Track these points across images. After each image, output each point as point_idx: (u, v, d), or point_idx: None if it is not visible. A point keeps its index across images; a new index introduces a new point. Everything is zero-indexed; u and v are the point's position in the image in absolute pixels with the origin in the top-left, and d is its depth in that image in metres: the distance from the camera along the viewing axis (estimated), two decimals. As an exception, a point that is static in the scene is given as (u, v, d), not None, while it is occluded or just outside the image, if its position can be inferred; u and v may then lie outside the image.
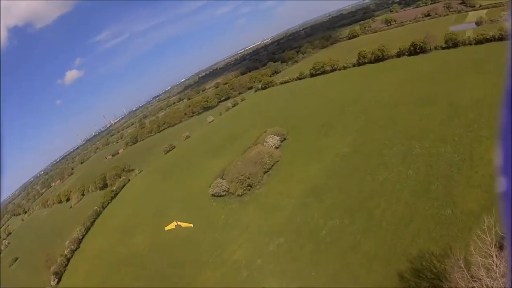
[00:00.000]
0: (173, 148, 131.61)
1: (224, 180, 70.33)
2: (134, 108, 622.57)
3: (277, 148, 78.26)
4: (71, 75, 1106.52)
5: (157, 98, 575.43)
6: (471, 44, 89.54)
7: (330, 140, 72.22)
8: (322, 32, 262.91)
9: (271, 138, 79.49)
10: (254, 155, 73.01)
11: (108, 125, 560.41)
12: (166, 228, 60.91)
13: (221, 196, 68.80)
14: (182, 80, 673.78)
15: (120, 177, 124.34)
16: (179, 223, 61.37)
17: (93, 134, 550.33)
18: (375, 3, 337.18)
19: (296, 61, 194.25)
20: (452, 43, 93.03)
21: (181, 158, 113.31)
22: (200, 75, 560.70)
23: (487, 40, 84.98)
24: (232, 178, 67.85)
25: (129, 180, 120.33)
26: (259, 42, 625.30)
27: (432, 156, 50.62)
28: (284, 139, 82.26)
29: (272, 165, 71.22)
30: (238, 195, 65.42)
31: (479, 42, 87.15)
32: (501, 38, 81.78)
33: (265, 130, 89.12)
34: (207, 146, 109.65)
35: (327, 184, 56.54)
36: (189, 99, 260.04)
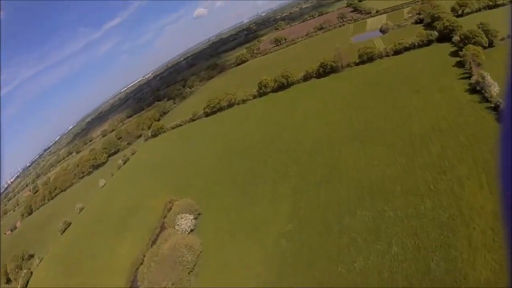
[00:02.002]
0: (69, 225, 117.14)
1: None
2: (28, 163, 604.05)
3: (192, 230, 62.65)
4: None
5: (47, 151, 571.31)
6: (388, 56, 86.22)
7: (261, 209, 58.16)
8: (205, 61, 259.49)
9: (183, 220, 63.55)
10: (169, 251, 56.44)
11: (6, 186, 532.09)
12: None
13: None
14: (70, 128, 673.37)
15: (22, 269, 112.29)
16: None
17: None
18: (255, 23, 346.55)
19: (184, 97, 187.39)
20: (367, 58, 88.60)
21: (80, 243, 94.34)
22: (87, 120, 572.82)
23: (407, 49, 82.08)
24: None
25: (31, 273, 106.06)
26: (141, 78, 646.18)
27: (412, 219, 40.34)
28: (199, 214, 67.02)
29: (196, 261, 55.19)
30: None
31: (397, 52, 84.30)
32: (421, 45, 79.89)
33: (169, 199, 77.59)
34: (105, 222, 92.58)
35: (284, 285, 42.29)
36: (78, 152, 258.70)
